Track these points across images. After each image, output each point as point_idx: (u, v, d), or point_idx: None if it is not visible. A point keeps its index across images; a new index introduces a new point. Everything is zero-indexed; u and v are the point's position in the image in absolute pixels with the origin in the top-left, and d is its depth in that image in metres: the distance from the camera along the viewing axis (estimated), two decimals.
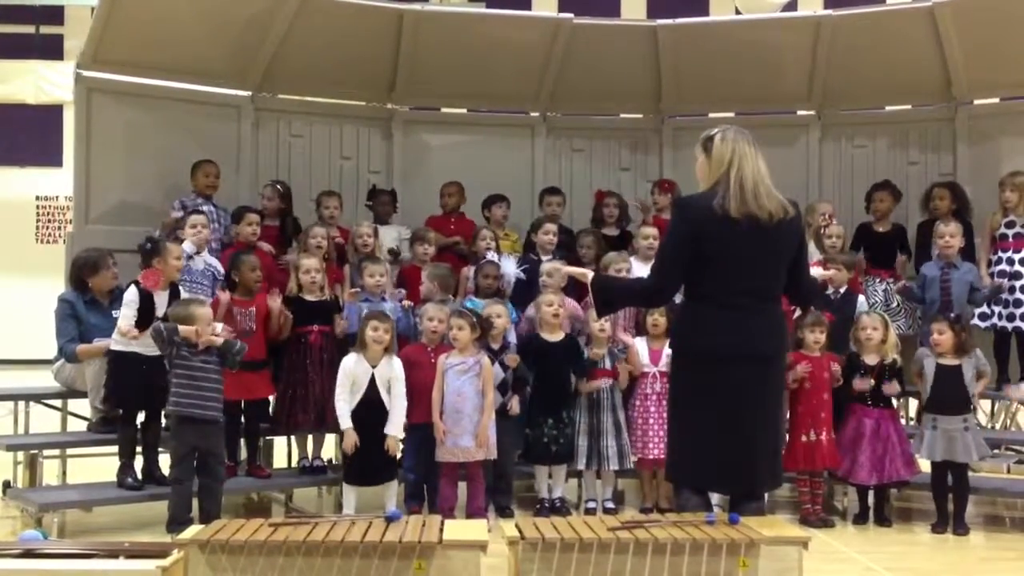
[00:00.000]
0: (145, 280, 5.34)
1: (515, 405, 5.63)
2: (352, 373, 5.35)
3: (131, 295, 5.31)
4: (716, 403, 3.77)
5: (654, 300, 4.38)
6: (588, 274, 4.12)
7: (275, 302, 5.71)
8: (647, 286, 4.09)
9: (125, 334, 5.26)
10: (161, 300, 5.35)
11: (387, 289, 6.03)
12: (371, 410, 5.33)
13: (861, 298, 6.15)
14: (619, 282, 4.36)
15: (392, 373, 5.39)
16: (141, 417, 5.45)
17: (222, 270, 5.94)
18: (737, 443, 3.78)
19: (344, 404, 5.33)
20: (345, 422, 5.32)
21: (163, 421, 5.42)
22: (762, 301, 3.82)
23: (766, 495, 5.23)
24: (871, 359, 5.66)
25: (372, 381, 5.34)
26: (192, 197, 6.35)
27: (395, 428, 5.39)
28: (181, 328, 4.96)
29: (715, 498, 4.35)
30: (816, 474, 5.63)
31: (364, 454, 5.33)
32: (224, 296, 5.59)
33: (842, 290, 6.11)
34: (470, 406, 5.38)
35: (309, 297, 5.82)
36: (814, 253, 6.59)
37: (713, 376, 3.78)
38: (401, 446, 5.57)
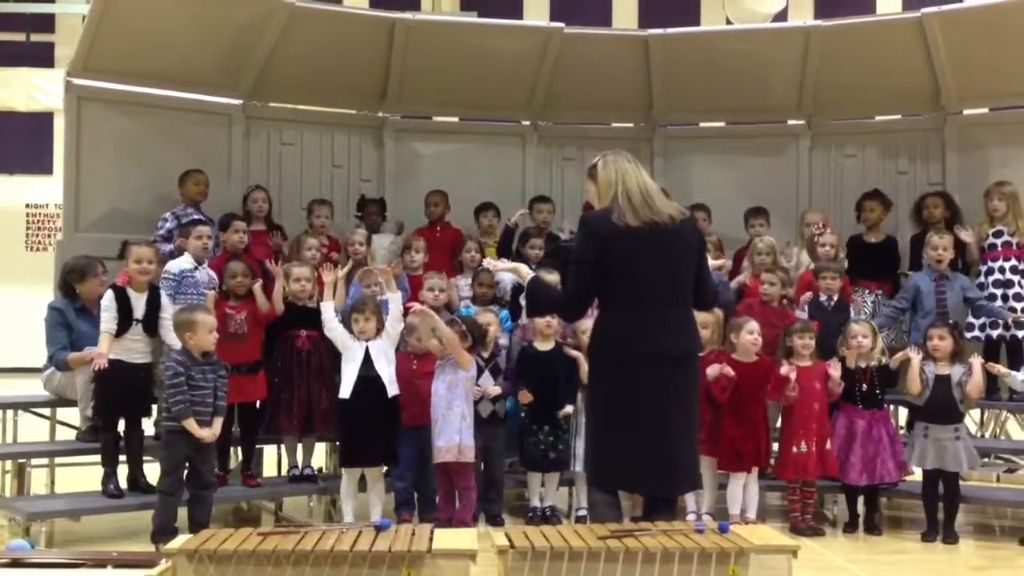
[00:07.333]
0: (120, 280, 5.48)
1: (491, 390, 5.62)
2: (349, 344, 5.40)
3: (107, 298, 5.36)
4: (634, 406, 3.94)
5: (571, 314, 4.61)
6: (527, 275, 4.32)
7: (259, 292, 5.73)
8: (568, 301, 4.26)
9: (110, 334, 5.28)
10: (139, 302, 5.36)
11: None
12: (369, 386, 5.33)
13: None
14: (550, 291, 4.47)
15: (384, 341, 5.45)
16: (122, 425, 5.43)
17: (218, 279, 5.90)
18: (656, 445, 3.94)
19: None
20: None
21: (144, 430, 5.45)
22: (672, 305, 4.02)
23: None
24: (860, 364, 5.67)
25: (367, 357, 5.35)
26: (182, 207, 6.34)
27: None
28: None
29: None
30: (808, 484, 5.62)
31: (363, 432, 5.32)
32: (211, 295, 5.60)
33: (835, 298, 6.13)
34: (443, 404, 5.36)
35: (297, 303, 5.80)
36: (806, 262, 6.65)
37: (630, 379, 3.94)
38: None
